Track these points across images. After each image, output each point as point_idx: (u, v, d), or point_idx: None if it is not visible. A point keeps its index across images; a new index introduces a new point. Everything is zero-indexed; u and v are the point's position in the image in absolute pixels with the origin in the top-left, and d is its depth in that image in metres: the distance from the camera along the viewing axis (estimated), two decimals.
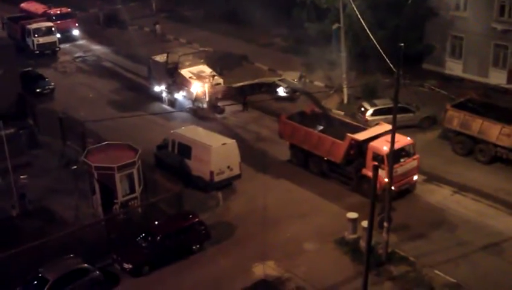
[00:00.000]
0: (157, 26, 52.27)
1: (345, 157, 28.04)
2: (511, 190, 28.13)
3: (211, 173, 27.79)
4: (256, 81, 39.56)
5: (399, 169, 26.86)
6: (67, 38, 50.18)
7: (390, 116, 24.99)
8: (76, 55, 48.05)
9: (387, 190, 23.53)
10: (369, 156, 27.14)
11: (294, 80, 39.92)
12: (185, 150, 28.88)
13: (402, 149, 27.47)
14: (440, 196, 28.08)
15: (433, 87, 39.04)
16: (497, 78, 38.41)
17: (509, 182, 28.84)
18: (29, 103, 34.88)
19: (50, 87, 40.03)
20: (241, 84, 38.94)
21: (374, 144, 27.26)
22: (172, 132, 30.32)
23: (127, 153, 26.18)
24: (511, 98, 36.05)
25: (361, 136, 27.89)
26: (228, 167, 28.26)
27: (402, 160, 27.30)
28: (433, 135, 32.85)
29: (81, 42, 50.99)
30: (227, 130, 33.71)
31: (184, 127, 31.24)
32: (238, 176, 28.84)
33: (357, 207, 25.86)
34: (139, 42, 49.14)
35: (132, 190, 25.76)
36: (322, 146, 28.90)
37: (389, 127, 27.85)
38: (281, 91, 38.58)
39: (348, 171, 28.32)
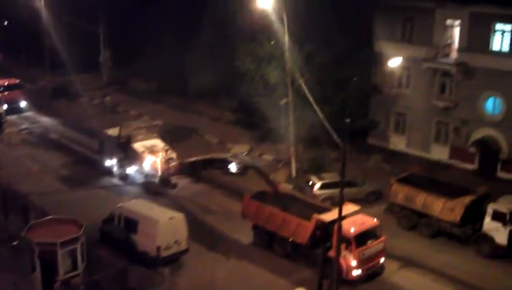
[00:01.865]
0: (107, 98, 52.21)
1: (310, 239, 27.39)
2: (456, 265, 28.52)
3: (158, 248, 27.24)
4: (209, 156, 39.57)
5: (366, 252, 26.67)
6: (14, 109, 49.55)
7: (337, 190, 25.36)
8: (23, 126, 47.39)
9: (334, 265, 23.56)
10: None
11: (243, 153, 40.24)
12: (131, 224, 28.32)
13: (368, 231, 27.30)
14: (386, 271, 28.09)
15: (378, 162, 39.94)
16: (439, 153, 39.73)
17: (453, 256, 29.29)
18: None
19: None
20: (194, 159, 38.89)
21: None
22: (119, 205, 29.82)
23: (71, 228, 25.48)
24: (452, 172, 37.26)
25: (327, 217, 27.21)
26: (175, 242, 27.78)
27: (369, 242, 27.05)
28: (379, 209, 33.26)
29: (28, 114, 50.41)
30: (176, 204, 33.33)
31: (132, 201, 30.82)
32: (186, 251, 28.32)
33: (307, 282, 25.61)
34: (88, 114, 48.90)
35: (75, 267, 24.92)
36: (287, 227, 28.19)
37: (355, 207, 28.15)
38: (233, 167, 38.61)
39: (315, 253, 27.45)
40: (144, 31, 54.40)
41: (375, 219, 28.01)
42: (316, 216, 27.34)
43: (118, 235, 28.73)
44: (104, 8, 56.22)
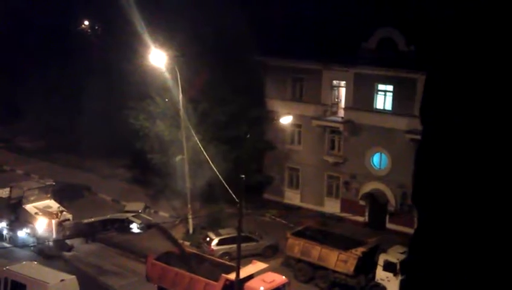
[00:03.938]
0: None
1: None
2: None
3: None
4: (108, 217, 38.10)
5: None
6: None
7: (235, 246, 25.45)
8: None
9: None
10: None
11: (139, 211, 39.33)
12: (18, 288, 26.74)
13: (278, 289, 27.10)
14: None
15: (273, 217, 40.61)
16: (331, 206, 40.98)
17: None
18: None
19: None
20: (93, 220, 37.14)
21: (249, 284, 26.59)
22: (5, 268, 28.07)
23: None
24: (345, 225, 38.53)
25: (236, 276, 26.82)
26: None
27: None
28: (276, 263, 33.54)
29: None
30: (71, 266, 31.89)
31: (20, 263, 29.10)
32: None
33: None
34: None
35: None
36: (195, 288, 27.47)
37: (263, 265, 28.10)
38: (135, 227, 37.48)
39: None
40: (30, 89, 53.03)
41: (284, 277, 28.06)
42: (225, 276, 26.86)
43: None
44: None
